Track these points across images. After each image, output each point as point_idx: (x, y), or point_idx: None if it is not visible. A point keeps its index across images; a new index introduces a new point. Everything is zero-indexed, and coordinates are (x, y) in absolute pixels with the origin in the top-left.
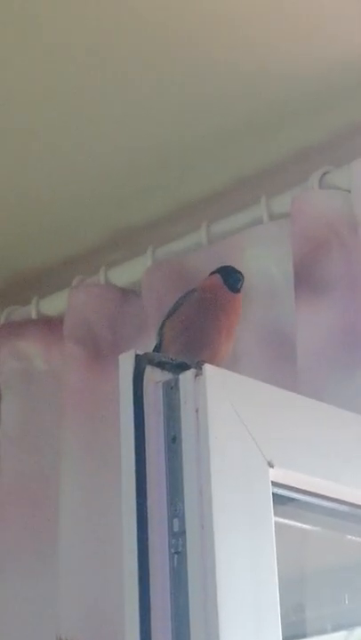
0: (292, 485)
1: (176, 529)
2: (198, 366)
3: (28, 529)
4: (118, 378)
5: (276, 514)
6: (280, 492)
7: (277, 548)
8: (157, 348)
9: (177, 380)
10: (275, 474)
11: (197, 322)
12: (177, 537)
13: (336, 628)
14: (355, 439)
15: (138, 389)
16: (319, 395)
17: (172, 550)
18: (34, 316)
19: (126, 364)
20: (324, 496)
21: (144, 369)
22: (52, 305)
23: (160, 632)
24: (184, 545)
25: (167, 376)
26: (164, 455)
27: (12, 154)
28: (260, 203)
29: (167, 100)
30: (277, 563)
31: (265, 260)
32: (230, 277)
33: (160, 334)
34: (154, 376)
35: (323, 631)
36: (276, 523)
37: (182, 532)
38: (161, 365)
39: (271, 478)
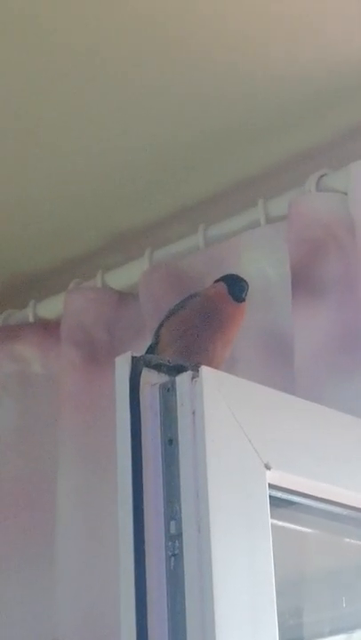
0: (289, 488)
1: (173, 531)
2: (195, 368)
3: (24, 532)
4: (114, 379)
5: (272, 516)
6: (277, 494)
7: (274, 551)
8: (152, 348)
9: (173, 383)
10: (272, 476)
11: (196, 328)
12: (174, 539)
13: (334, 632)
14: (352, 442)
15: (134, 392)
16: (317, 397)
17: (169, 553)
18: (31, 319)
19: (123, 366)
20: (322, 498)
21: (140, 371)
22: (50, 308)
23: (157, 634)
24: (181, 547)
25: (164, 378)
26: (161, 458)
27: (10, 156)
28: (258, 205)
29: (165, 102)
30: (274, 565)
31: (262, 262)
32: (235, 286)
33: (157, 335)
34: (150, 378)
35: (321, 635)
36: (272, 525)
37: (179, 535)
38: (157, 367)
39: (268, 481)
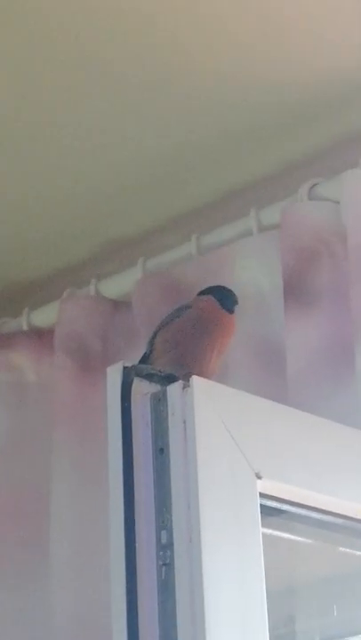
0: (280, 497)
1: (164, 541)
2: (186, 378)
3: (18, 540)
4: (106, 389)
5: (263, 525)
6: (268, 503)
7: (266, 559)
8: (146, 358)
9: (165, 392)
10: (262, 485)
11: (191, 337)
12: (165, 549)
13: None
14: (343, 450)
15: (126, 401)
16: (309, 405)
17: (160, 562)
18: (25, 327)
19: (114, 376)
20: (313, 507)
21: (132, 381)
22: (43, 317)
23: None
24: (172, 557)
25: (155, 388)
26: (152, 467)
27: (4, 165)
28: (250, 214)
29: (158, 113)
30: (266, 574)
31: (255, 271)
32: (225, 298)
33: (151, 344)
34: (142, 388)
35: None
36: (263, 534)
37: (170, 544)
38: (149, 377)
39: (259, 490)
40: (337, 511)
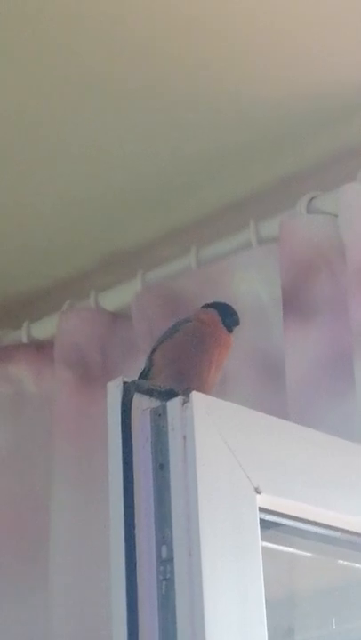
0: (280, 511)
1: (164, 556)
2: (186, 393)
3: (18, 553)
4: (106, 405)
5: (263, 538)
6: (267, 517)
7: (265, 573)
8: (145, 374)
9: (164, 407)
10: (262, 500)
11: (190, 352)
12: (165, 564)
13: None
14: (342, 464)
15: (126, 417)
16: (308, 418)
17: (161, 577)
18: (24, 339)
19: (114, 391)
20: (312, 521)
21: (132, 396)
22: (43, 329)
23: None
24: (172, 572)
25: (155, 403)
26: (152, 482)
27: (4, 179)
28: (249, 227)
29: (157, 127)
30: (265, 587)
31: (254, 283)
32: (227, 317)
33: (150, 360)
34: (142, 403)
35: None
36: (263, 547)
37: (170, 559)
38: (149, 393)
39: (258, 504)
40: (336, 525)
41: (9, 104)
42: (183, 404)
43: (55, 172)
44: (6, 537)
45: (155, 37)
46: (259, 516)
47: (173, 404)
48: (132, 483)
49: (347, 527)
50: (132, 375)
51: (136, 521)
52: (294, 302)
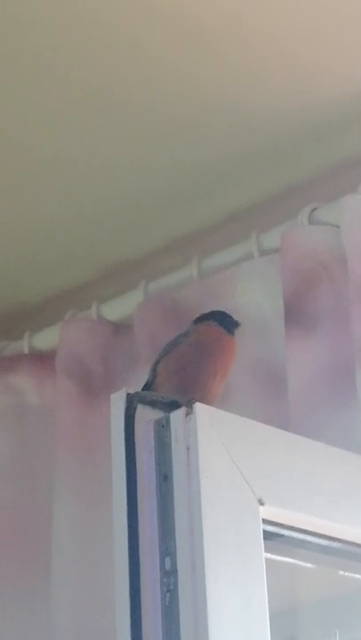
0: (283, 523)
1: (168, 567)
2: (189, 405)
3: (20, 563)
4: (110, 416)
5: (266, 550)
6: (271, 529)
7: (269, 584)
8: (149, 385)
9: (168, 419)
10: (265, 511)
11: (193, 363)
12: (169, 575)
13: None
14: (345, 476)
15: (129, 428)
16: (310, 429)
17: (164, 589)
18: (26, 350)
19: (118, 403)
20: (315, 533)
21: (135, 408)
22: (45, 339)
23: None
24: (176, 583)
25: (158, 414)
26: (156, 494)
27: (4, 190)
28: (251, 238)
29: (159, 137)
30: (269, 598)
31: (256, 294)
32: (226, 321)
33: (153, 371)
34: (145, 415)
35: None
36: (266, 558)
37: (174, 571)
38: (152, 404)
39: (262, 516)
40: (339, 536)
41: (9, 114)
42: (187, 415)
43: (56, 182)
44: (8, 546)
45: (156, 47)
46: (262, 527)
47: (177, 416)
48: (136, 494)
49: (349, 538)
50: (135, 386)
51: (140, 532)
52: (296, 313)
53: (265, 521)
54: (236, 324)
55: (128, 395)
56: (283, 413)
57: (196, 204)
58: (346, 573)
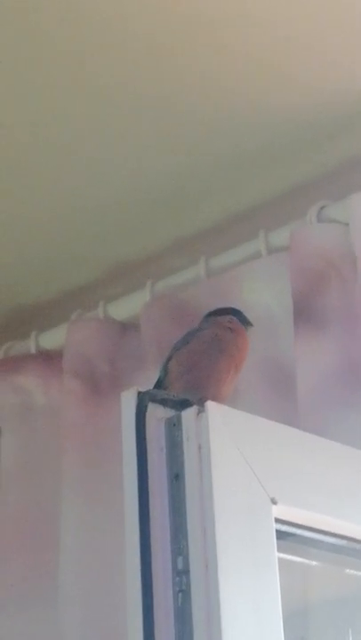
0: (296, 522)
1: (180, 567)
2: (201, 403)
3: (28, 564)
4: (120, 414)
5: (279, 549)
6: (283, 528)
7: (281, 583)
8: (160, 382)
9: (179, 417)
10: (278, 510)
11: (206, 360)
12: (181, 575)
13: None
14: (357, 474)
15: (140, 427)
16: (320, 428)
17: (177, 588)
18: (33, 350)
19: (128, 401)
20: (328, 532)
21: (146, 406)
22: (51, 339)
23: None
24: (188, 583)
25: (169, 413)
26: (167, 492)
27: (11, 189)
28: (259, 237)
29: (165, 136)
30: (282, 597)
31: (264, 293)
32: (240, 316)
33: (165, 368)
34: (156, 413)
35: None
36: (279, 558)
37: (186, 571)
38: (163, 402)
39: (274, 515)
40: (351, 535)
41: (12, 115)
42: (198, 413)
43: (62, 181)
44: (16, 547)
45: (161, 45)
46: (275, 526)
47: (188, 414)
48: (147, 493)
49: None
50: (141, 385)
51: (151, 531)
52: (305, 312)
53: (277, 520)
54: (250, 323)
55: (139, 393)
56: (292, 412)
57: (203, 202)
58: (359, 573)
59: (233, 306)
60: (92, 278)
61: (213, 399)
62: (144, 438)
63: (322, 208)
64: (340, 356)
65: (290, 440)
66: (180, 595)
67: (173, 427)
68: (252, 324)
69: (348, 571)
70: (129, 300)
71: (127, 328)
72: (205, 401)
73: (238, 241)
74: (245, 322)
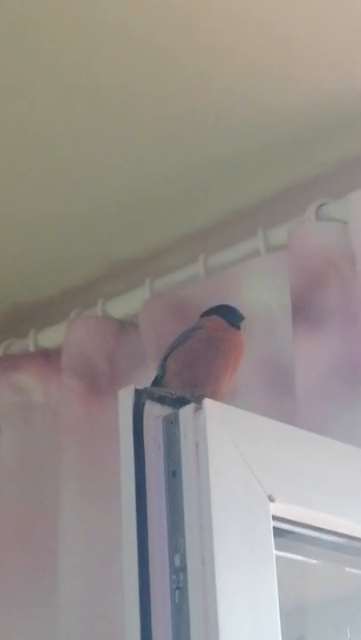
0: (293, 519)
1: (177, 564)
2: (198, 401)
3: (27, 562)
4: (118, 412)
5: (276, 547)
6: (281, 526)
7: (278, 581)
8: (158, 381)
9: (177, 415)
10: (275, 508)
11: (203, 358)
12: (178, 572)
13: None
14: (355, 472)
15: (138, 424)
16: (318, 426)
17: (174, 586)
18: (31, 348)
19: (126, 398)
20: (326, 530)
21: (144, 404)
22: (50, 337)
23: None
24: (185, 580)
25: (167, 410)
26: (165, 490)
27: (9, 187)
28: (258, 235)
29: (164, 134)
30: (279, 595)
31: (262, 291)
32: (230, 316)
33: (163, 367)
34: (153, 411)
35: None
36: (276, 555)
37: (183, 568)
38: (161, 400)
39: (272, 512)
40: (350, 533)
41: (12, 115)
42: (196, 411)
43: (62, 180)
44: (15, 545)
45: (161, 45)
46: (272, 523)
47: (186, 412)
48: (145, 490)
49: (359, 535)
50: (140, 383)
51: (149, 529)
52: (304, 310)
53: (275, 518)
54: (240, 317)
55: (136, 390)
56: (290, 410)
57: (202, 200)
58: (357, 571)
59: (230, 303)
60: (90, 276)
61: (211, 397)
62: (141, 436)
63: (321, 206)
64: (339, 353)
65: (288, 438)
66: (177, 592)
67: (171, 424)
68: (243, 317)
69: (346, 569)
70: (128, 297)
71: (126, 326)
72: (203, 398)
73: (237, 239)
74: (235, 319)
